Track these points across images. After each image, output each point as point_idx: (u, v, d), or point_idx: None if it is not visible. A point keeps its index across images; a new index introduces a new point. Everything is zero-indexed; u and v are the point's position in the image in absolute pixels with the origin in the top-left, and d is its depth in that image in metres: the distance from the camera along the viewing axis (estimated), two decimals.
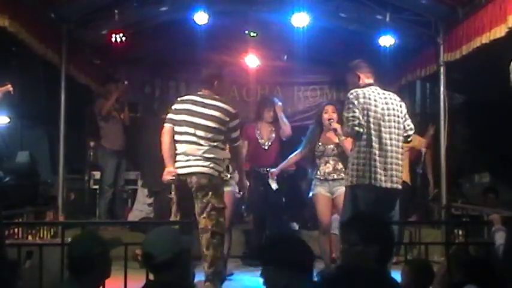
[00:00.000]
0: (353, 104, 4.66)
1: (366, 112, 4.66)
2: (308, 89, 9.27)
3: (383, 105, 4.73)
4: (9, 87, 5.91)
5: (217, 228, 4.68)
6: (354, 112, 4.63)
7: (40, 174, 7.19)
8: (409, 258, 4.79)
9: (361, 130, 4.63)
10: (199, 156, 4.70)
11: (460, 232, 6.02)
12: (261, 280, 2.60)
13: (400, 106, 4.82)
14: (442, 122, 6.65)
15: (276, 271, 2.54)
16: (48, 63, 6.55)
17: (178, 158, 4.78)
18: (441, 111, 6.66)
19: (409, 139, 4.90)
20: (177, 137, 4.80)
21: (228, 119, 4.80)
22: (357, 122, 4.61)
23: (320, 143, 5.91)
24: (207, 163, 4.70)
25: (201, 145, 4.73)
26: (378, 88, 4.81)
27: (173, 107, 4.93)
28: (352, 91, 4.80)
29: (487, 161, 8.50)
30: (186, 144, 4.76)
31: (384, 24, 6.54)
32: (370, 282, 2.19)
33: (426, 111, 9.51)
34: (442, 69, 6.63)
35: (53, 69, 6.70)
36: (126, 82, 7.90)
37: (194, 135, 4.74)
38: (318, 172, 5.93)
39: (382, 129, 4.67)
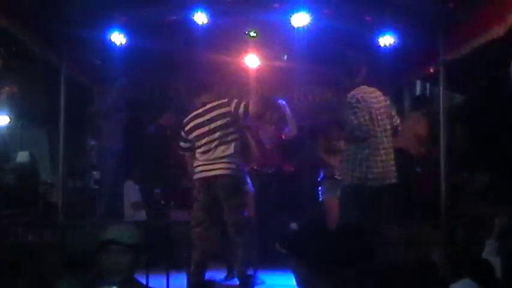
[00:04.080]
0: (357, 108, 4.72)
1: (367, 114, 4.74)
2: (308, 89, 9.26)
3: (375, 104, 4.83)
4: (12, 88, 5.91)
5: (243, 221, 5.24)
6: (358, 117, 4.70)
7: (40, 174, 7.18)
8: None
9: (359, 134, 4.72)
10: (221, 157, 5.16)
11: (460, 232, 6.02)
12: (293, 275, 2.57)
13: (386, 101, 4.94)
14: (442, 122, 6.65)
15: (300, 262, 2.50)
16: (48, 63, 6.55)
17: (200, 162, 5.23)
18: (441, 111, 6.65)
19: (399, 128, 5.01)
20: (198, 150, 5.29)
21: (227, 107, 5.23)
22: (364, 128, 4.72)
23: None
24: (229, 165, 5.18)
25: (218, 146, 5.18)
26: (365, 87, 4.90)
27: (184, 130, 5.41)
28: (351, 94, 4.83)
29: (487, 161, 8.49)
30: (206, 153, 5.21)
31: (384, 24, 6.53)
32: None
33: None
34: (442, 69, 6.62)
35: (53, 69, 6.69)
36: (125, 80, 7.92)
37: (210, 141, 5.20)
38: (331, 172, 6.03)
39: (377, 128, 4.77)
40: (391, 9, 6.38)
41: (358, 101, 4.75)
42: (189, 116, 5.41)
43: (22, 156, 7.01)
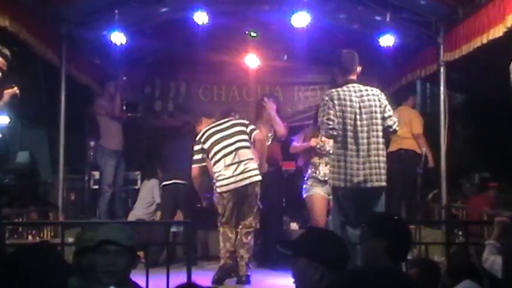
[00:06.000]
0: (328, 106, 4.67)
1: (341, 114, 4.64)
2: (308, 89, 9.26)
3: (358, 103, 4.67)
4: (15, 89, 5.91)
5: (256, 225, 5.74)
6: (329, 115, 4.64)
7: (40, 174, 7.18)
8: (409, 258, 4.78)
9: (335, 133, 4.66)
10: (249, 163, 5.57)
11: (460, 232, 6.01)
12: (291, 273, 2.51)
13: (379, 100, 4.73)
14: (442, 122, 6.65)
15: (309, 264, 2.43)
16: (48, 63, 6.55)
17: (229, 172, 5.55)
18: (441, 111, 6.65)
19: (391, 129, 4.77)
20: (223, 160, 5.61)
21: (245, 127, 5.76)
22: (331, 125, 4.63)
23: (323, 143, 5.89)
24: (256, 171, 5.60)
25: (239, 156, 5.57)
26: (355, 85, 4.76)
27: (205, 139, 5.72)
28: (327, 92, 4.84)
29: (487, 161, 8.50)
30: (232, 158, 5.57)
31: (384, 24, 6.53)
32: (387, 282, 2.12)
33: (426, 111, 9.51)
34: (442, 69, 6.62)
35: (53, 69, 6.69)
36: (124, 78, 7.93)
37: (235, 150, 5.58)
38: (317, 172, 5.92)
39: (359, 128, 4.65)
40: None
41: (331, 98, 4.67)
42: (211, 130, 5.74)
43: (22, 156, 7.01)
